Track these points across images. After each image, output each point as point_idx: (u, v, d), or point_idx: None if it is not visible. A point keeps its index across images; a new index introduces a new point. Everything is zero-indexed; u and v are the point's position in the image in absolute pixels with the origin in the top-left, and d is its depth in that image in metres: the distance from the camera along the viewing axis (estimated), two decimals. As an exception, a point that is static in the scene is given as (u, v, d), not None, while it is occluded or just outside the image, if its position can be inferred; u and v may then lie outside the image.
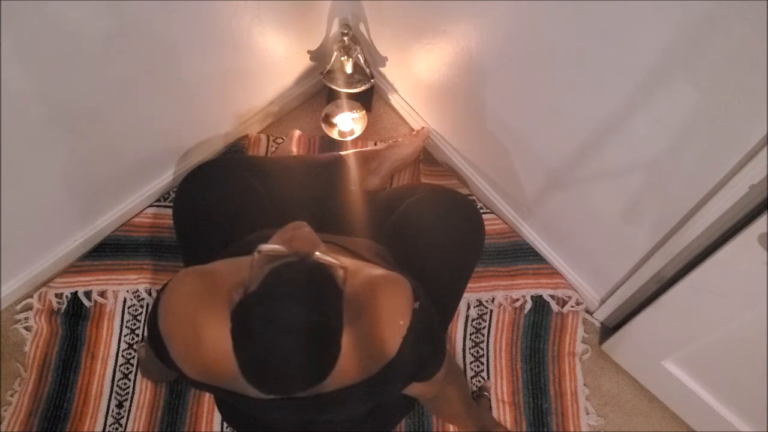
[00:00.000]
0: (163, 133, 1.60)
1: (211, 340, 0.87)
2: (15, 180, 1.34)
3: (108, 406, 1.55)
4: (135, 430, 1.52)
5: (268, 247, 0.82)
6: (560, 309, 1.64)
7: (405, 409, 1.33)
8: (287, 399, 0.90)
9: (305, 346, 0.76)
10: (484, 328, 1.63)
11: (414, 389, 1.06)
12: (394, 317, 0.90)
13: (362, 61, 1.68)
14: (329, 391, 0.89)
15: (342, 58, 1.65)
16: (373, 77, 1.73)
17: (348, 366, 0.87)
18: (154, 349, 0.95)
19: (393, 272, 0.97)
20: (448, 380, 1.13)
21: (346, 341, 0.86)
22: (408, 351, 0.90)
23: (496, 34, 1.26)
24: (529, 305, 1.63)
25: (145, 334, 1.59)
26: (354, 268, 0.96)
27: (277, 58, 1.68)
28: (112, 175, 1.57)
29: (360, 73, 1.72)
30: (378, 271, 0.96)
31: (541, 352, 1.61)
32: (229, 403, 1.16)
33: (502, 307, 1.64)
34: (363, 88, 1.72)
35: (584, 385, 1.59)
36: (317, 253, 0.82)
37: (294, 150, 1.76)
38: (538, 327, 1.63)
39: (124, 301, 1.64)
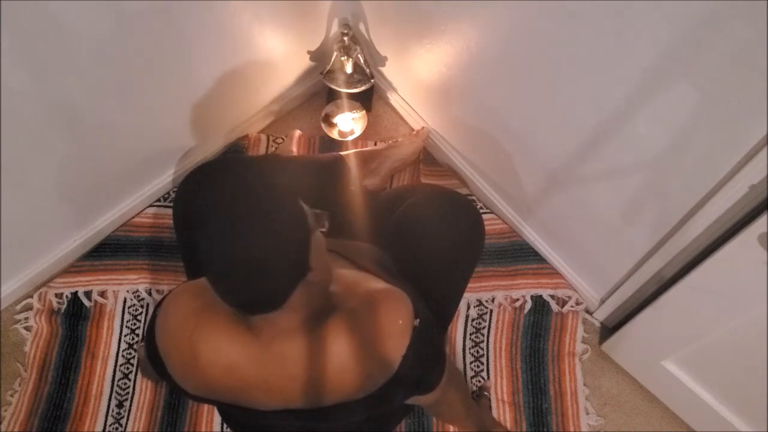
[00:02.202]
0: (163, 133, 1.60)
1: (208, 358, 0.87)
2: (15, 180, 1.34)
3: (108, 406, 1.55)
4: (135, 430, 1.52)
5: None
6: (560, 309, 1.64)
7: (405, 409, 1.33)
8: (289, 411, 0.90)
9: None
10: (484, 328, 1.63)
11: (415, 399, 1.06)
12: (394, 334, 0.89)
13: (362, 61, 1.68)
14: (330, 405, 0.89)
15: (342, 58, 1.65)
16: (373, 77, 1.72)
17: (348, 380, 0.87)
18: (153, 366, 0.95)
19: (393, 287, 0.96)
20: (447, 384, 1.13)
21: (346, 355, 0.86)
22: (409, 367, 0.90)
23: (495, 33, 1.26)
24: (529, 305, 1.63)
25: (144, 338, 1.59)
26: (354, 281, 0.96)
27: (277, 58, 1.68)
28: (112, 175, 1.57)
29: (360, 73, 1.72)
30: (379, 285, 0.96)
31: (541, 352, 1.61)
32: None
33: (502, 307, 1.64)
34: (363, 88, 1.72)
35: (584, 385, 1.59)
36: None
37: (294, 150, 1.76)
38: (538, 327, 1.63)
39: (124, 301, 1.64)
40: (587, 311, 1.65)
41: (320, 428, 1.06)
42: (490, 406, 1.55)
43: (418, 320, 0.92)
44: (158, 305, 0.96)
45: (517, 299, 1.64)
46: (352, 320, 0.87)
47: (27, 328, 1.62)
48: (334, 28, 1.71)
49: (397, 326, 0.90)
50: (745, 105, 0.89)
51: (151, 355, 0.94)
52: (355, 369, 0.87)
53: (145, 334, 1.11)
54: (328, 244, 1.10)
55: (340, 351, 0.86)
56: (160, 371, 0.93)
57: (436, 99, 1.67)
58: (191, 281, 0.98)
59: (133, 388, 1.57)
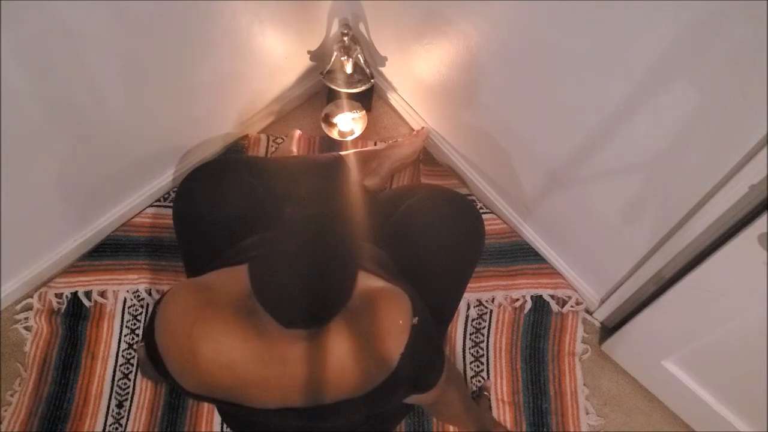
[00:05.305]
0: (163, 133, 1.60)
1: (207, 355, 0.87)
2: (15, 180, 1.34)
3: (108, 406, 1.55)
4: (135, 430, 1.52)
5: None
6: (560, 309, 1.64)
7: (405, 409, 1.33)
8: (288, 409, 0.90)
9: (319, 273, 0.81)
10: (484, 328, 1.63)
11: (414, 398, 1.06)
12: (392, 332, 0.90)
13: (362, 61, 1.68)
14: (329, 403, 0.89)
15: (342, 58, 1.65)
16: (373, 77, 1.73)
17: (347, 378, 0.88)
18: (152, 362, 0.95)
19: (392, 285, 0.96)
20: (446, 384, 1.13)
21: (346, 354, 0.86)
22: (407, 365, 0.90)
23: (496, 33, 1.26)
24: (529, 305, 1.63)
25: (143, 336, 1.59)
26: None
27: (277, 58, 1.68)
28: (112, 175, 1.57)
29: (360, 73, 1.72)
30: (378, 283, 0.96)
31: (541, 352, 1.61)
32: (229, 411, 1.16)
33: (502, 307, 1.64)
34: (363, 88, 1.72)
35: (584, 385, 1.59)
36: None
37: (294, 150, 1.76)
38: (538, 327, 1.63)
39: (124, 301, 1.64)
40: (587, 311, 1.65)
41: (319, 427, 1.06)
42: (490, 406, 1.55)
43: (416, 318, 0.92)
44: (158, 302, 0.96)
45: (517, 299, 1.64)
46: (351, 319, 0.87)
47: (27, 328, 1.62)
48: (334, 28, 1.71)
49: (395, 324, 0.90)
50: (745, 105, 0.89)
51: (150, 353, 0.94)
52: (355, 367, 0.87)
53: (144, 332, 1.11)
54: None
55: (340, 350, 0.87)
56: (160, 369, 0.93)
57: (436, 99, 1.67)
58: (191, 278, 0.98)
59: (133, 388, 1.57)
